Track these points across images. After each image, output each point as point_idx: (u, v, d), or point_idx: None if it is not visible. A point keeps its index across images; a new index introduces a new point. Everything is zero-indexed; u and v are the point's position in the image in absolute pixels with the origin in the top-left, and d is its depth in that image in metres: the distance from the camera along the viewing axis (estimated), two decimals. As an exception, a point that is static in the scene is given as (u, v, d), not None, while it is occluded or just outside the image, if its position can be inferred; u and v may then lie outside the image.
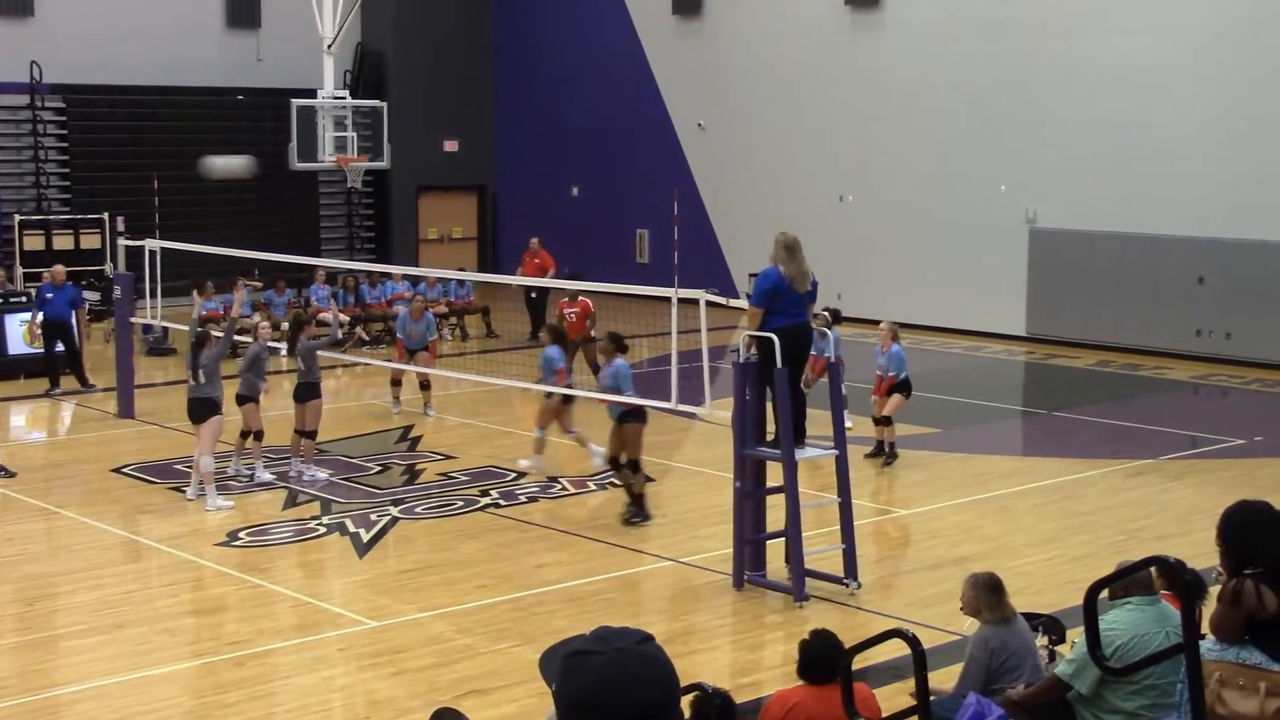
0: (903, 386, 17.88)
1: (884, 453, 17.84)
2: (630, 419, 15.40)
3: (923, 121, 28.28)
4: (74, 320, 23.24)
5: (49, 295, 22.84)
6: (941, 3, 27.89)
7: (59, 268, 23.96)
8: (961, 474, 17.68)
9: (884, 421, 17.82)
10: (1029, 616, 9.46)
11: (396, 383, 21.17)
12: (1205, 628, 6.35)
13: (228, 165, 18.68)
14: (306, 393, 17.25)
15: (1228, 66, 24.51)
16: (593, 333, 21.62)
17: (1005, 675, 8.56)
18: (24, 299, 24.77)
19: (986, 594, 8.88)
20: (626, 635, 3.20)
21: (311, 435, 17.30)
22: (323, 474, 17.26)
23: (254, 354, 17.08)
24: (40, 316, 22.55)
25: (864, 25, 29.10)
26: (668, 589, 13.64)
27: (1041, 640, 9.26)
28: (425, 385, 21.09)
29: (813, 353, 14.77)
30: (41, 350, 22.89)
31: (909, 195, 28.57)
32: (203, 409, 16.14)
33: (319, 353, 17.60)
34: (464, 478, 17.47)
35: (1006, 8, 26.88)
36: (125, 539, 15.24)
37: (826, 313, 18.44)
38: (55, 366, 22.77)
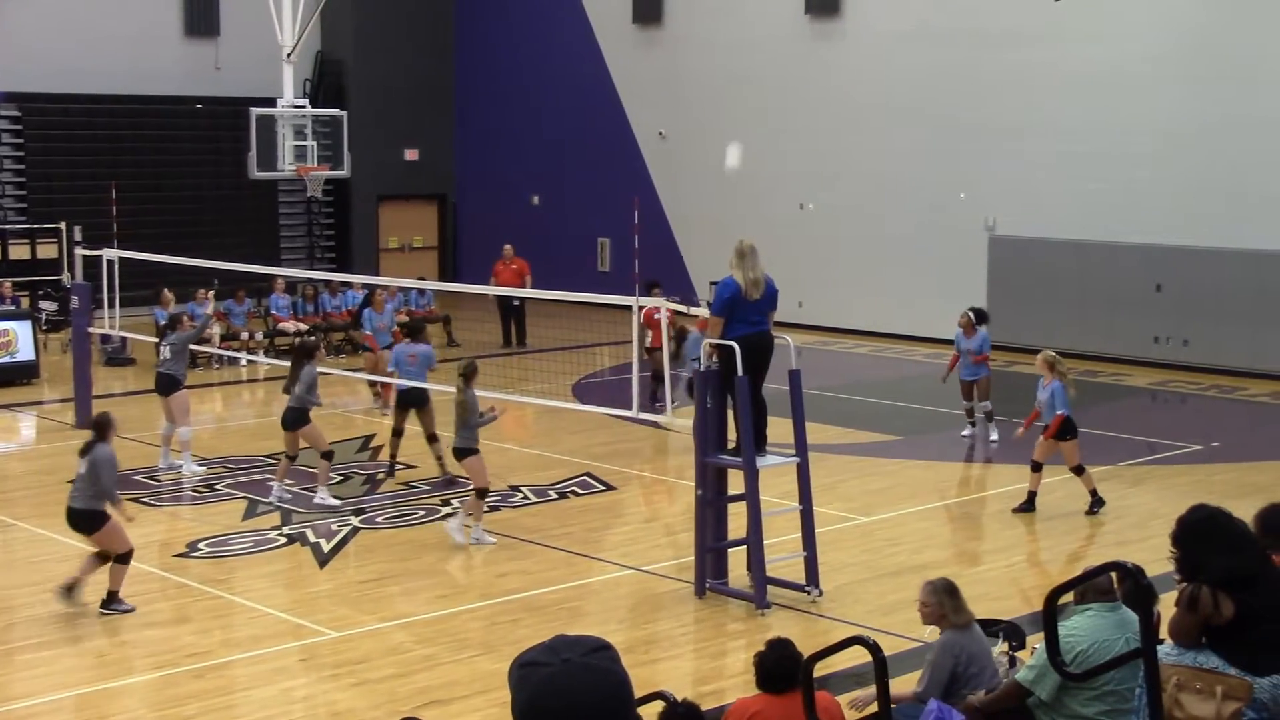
0: (1069, 426, 16.03)
1: (1094, 502, 16.09)
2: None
3: (883, 130, 28.37)
4: None
5: None
6: (901, 12, 28.00)
7: (4, 282, 23.74)
8: (922, 481, 17.72)
9: (1078, 471, 16.11)
10: (989, 623, 9.49)
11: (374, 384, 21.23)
12: (1164, 632, 6.39)
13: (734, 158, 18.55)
14: (297, 419, 16.51)
15: (1183, 74, 24.68)
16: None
17: (969, 681, 8.56)
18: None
19: (949, 599, 8.87)
20: (578, 645, 3.19)
21: (328, 455, 16.60)
22: (334, 501, 16.58)
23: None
24: None
25: (824, 34, 29.18)
26: (630, 597, 13.63)
27: (1002, 647, 9.26)
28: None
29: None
30: None
31: (869, 203, 28.65)
32: (168, 384, 17.68)
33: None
34: (425, 487, 17.44)
35: (965, 17, 27.01)
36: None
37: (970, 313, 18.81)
38: None
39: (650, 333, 19.35)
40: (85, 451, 12.92)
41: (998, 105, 26.74)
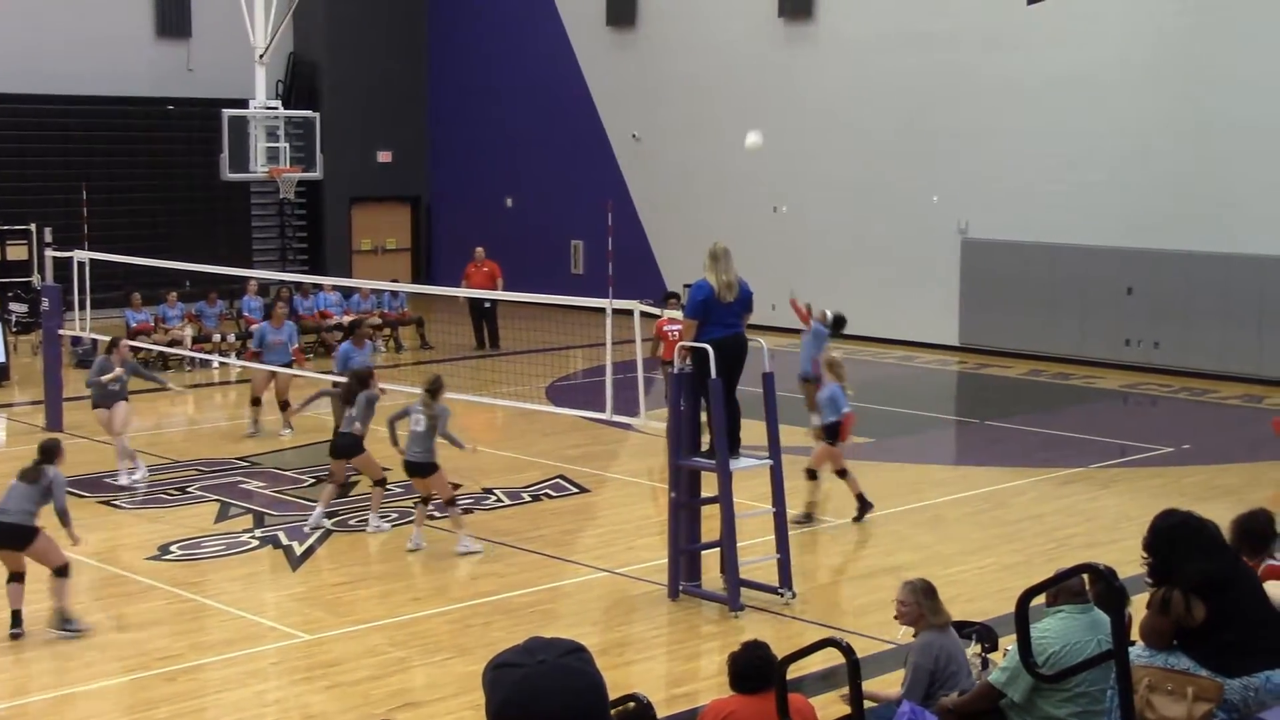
0: (833, 430, 16.05)
1: (862, 508, 16.03)
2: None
3: (855, 132, 28.43)
4: None
5: None
6: (873, 15, 28.07)
7: None
8: (894, 483, 17.74)
9: (841, 474, 16.17)
10: (962, 625, 9.48)
11: (256, 402, 20.33)
12: (1135, 634, 6.43)
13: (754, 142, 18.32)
14: (351, 448, 15.86)
15: (1154, 78, 24.80)
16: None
17: (946, 682, 8.56)
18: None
19: (927, 599, 8.86)
20: (553, 647, 3.20)
21: (382, 483, 16.02)
22: (386, 525, 16.02)
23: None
24: None
25: (797, 37, 29.24)
26: (603, 599, 13.63)
27: (975, 648, 9.27)
28: (284, 405, 20.17)
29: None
30: None
31: (843, 206, 28.71)
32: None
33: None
34: (398, 490, 17.38)
35: (938, 21, 27.08)
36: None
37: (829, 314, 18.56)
38: None
39: (663, 344, 19.11)
40: (32, 474, 12.53)
41: (971, 108, 26.83)
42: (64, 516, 12.60)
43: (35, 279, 27.93)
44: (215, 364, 25.29)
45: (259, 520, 16.00)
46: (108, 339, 19.09)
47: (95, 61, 30.89)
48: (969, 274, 27.23)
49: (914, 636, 8.95)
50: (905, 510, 16.55)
